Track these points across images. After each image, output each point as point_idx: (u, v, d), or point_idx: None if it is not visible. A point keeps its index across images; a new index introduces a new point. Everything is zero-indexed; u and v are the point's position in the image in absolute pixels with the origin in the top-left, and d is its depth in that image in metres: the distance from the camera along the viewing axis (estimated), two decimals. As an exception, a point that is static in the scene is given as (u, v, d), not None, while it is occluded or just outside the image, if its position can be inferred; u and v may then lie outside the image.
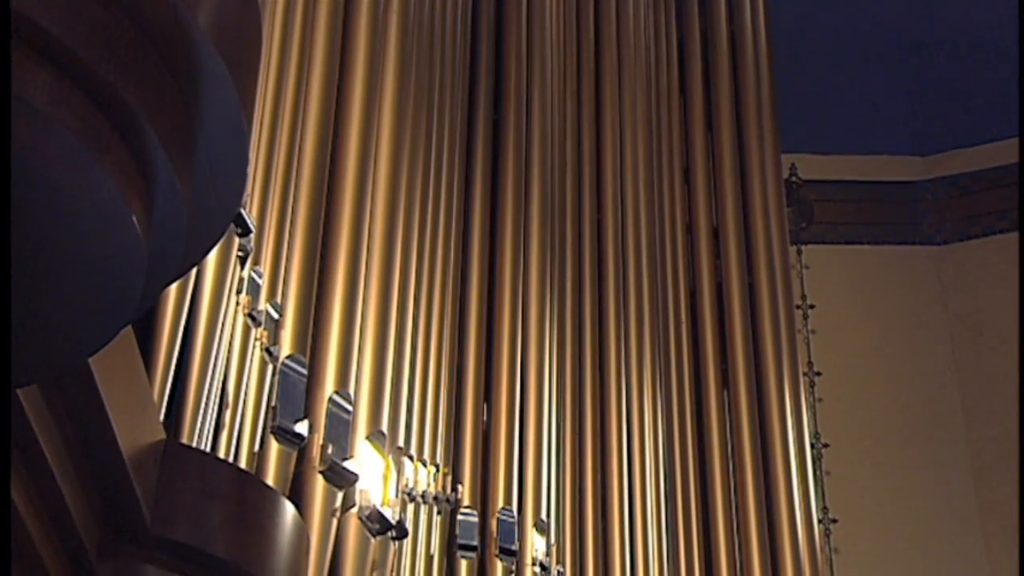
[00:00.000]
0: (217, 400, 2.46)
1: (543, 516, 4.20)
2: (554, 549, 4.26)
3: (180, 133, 1.13)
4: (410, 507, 3.40)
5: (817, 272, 6.74)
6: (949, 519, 6.37)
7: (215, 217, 1.29)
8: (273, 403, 2.79)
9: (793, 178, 6.68)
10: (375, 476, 3.16)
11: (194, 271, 2.39)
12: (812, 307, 6.59)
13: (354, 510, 3.04)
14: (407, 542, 3.32)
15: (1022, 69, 5.03)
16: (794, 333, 5.89)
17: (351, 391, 3.14)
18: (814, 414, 6.23)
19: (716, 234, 5.99)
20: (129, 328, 1.71)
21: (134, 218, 1.07)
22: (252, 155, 2.80)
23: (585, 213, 5.29)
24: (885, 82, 7.15)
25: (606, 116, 5.64)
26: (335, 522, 2.96)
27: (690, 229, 5.97)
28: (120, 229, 1.08)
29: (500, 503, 4.06)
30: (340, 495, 2.99)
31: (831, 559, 5.91)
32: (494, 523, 4.01)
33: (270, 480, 2.68)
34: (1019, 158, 5.83)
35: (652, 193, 5.72)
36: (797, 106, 6.78)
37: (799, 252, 6.68)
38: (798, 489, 5.36)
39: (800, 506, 5.33)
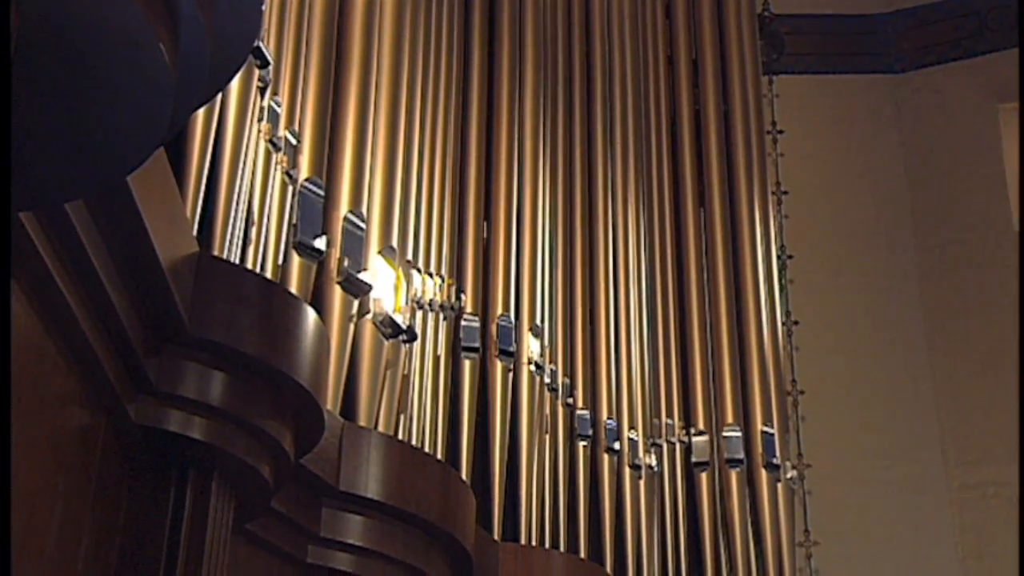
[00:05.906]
0: (243, 218, 2.48)
1: (538, 321, 4.27)
2: (547, 350, 4.34)
3: (200, -32, 1.11)
4: (419, 314, 3.46)
5: (786, 100, 6.68)
6: (896, 319, 6.48)
7: (235, 47, 1.28)
8: (294, 221, 2.81)
9: (766, 12, 6.55)
10: (387, 286, 3.20)
11: (219, 101, 2.37)
12: (781, 132, 6.55)
13: (369, 316, 3.09)
14: (416, 344, 3.39)
15: None
16: (764, 156, 5.88)
17: (364, 210, 3.15)
18: (781, 229, 6.26)
19: (695, 65, 5.92)
20: (162, 151, 1.71)
21: (161, 47, 1.06)
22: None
23: (575, 46, 5.21)
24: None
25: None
26: (352, 327, 3.02)
27: (671, 61, 5.89)
28: (149, 57, 1.07)
29: (499, 310, 4.13)
30: (356, 303, 3.03)
31: (792, 356, 6.03)
32: (494, 328, 4.08)
33: (293, 289, 2.72)
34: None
35: (636, 28, 5.62)
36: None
37: (770, 82, 6.60)
38: (765, 295, 5.44)
39: (766, 310, 5.41)
